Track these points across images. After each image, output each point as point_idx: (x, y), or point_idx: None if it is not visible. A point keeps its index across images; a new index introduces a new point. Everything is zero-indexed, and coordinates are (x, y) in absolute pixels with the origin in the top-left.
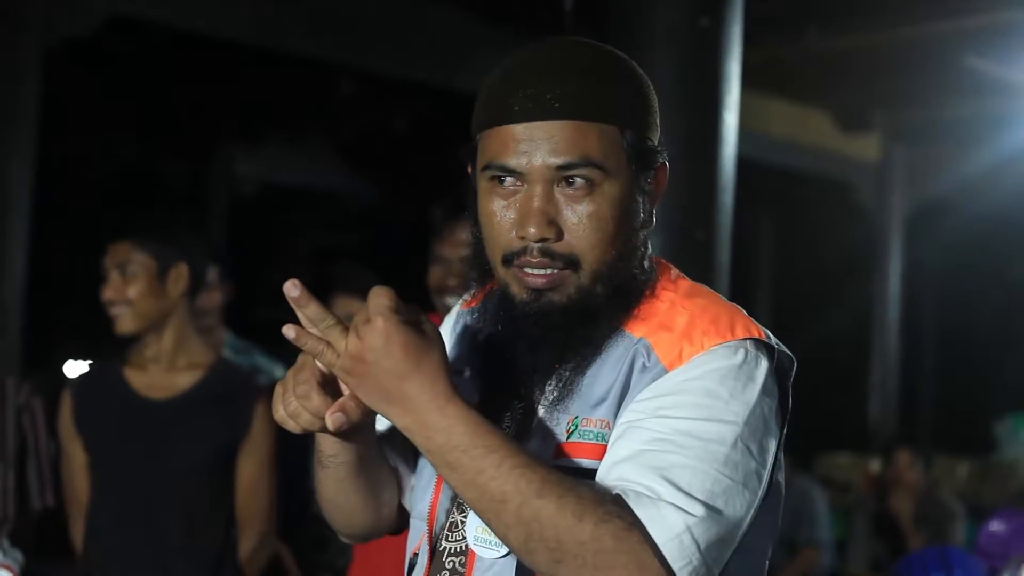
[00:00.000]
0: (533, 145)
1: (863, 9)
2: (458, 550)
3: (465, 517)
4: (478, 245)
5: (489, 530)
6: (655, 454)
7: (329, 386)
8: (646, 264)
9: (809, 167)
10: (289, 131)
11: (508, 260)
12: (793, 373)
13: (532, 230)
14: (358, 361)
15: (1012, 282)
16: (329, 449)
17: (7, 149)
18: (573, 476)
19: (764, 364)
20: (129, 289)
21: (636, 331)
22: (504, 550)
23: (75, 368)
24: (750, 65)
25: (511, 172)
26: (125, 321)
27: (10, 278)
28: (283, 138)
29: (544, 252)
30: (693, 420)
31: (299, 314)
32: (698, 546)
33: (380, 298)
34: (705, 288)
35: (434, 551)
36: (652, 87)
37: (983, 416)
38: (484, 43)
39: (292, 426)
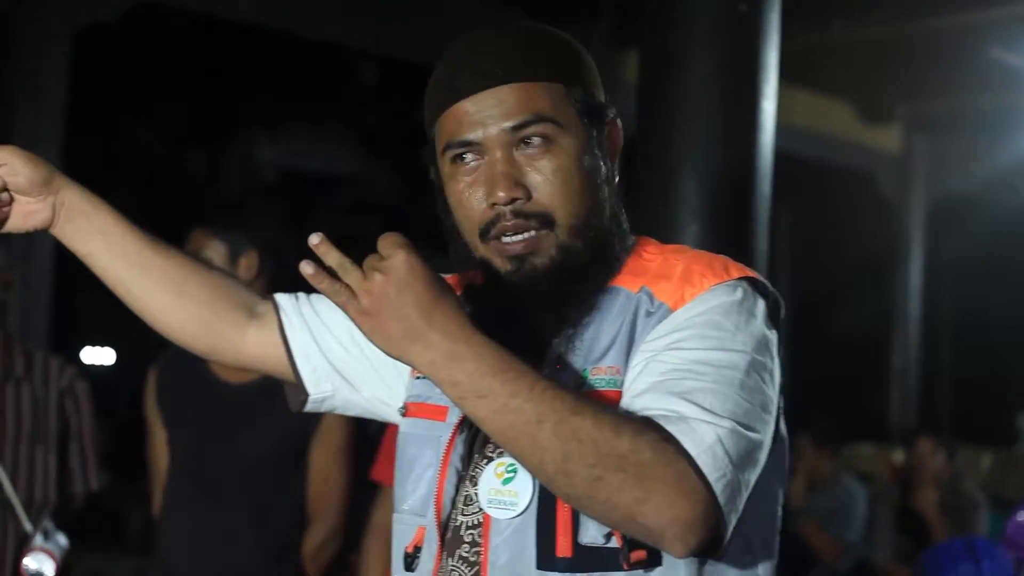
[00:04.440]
0: (485, 114)
1: (886, 0)
2: (474, 523)
3: (477, 486)
4: (453, 233)
5: (502, 491)
6: (673, 382)
7: None
8: (622, 220)
9: (831, 158)
10: (310, 117)
11: (485, 233)
12: (782, 316)
13: (501, 194)
14: (379, 299)
15: None
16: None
17: (35, 134)
18: None
19: (761, 302)
20: None
21: (633, 285)
22: (519, 508)
23: (94, 356)
24: None
25: (469, 145)
26: None
27: (37, 263)
28: (304, 124)
29: (517, 214)
30: (705, 350)
31: (325, 262)
32: (730, 458)
33: (394, 237)
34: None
35: (445, 534)
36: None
37: (1004, 408)
38: None
39: None
